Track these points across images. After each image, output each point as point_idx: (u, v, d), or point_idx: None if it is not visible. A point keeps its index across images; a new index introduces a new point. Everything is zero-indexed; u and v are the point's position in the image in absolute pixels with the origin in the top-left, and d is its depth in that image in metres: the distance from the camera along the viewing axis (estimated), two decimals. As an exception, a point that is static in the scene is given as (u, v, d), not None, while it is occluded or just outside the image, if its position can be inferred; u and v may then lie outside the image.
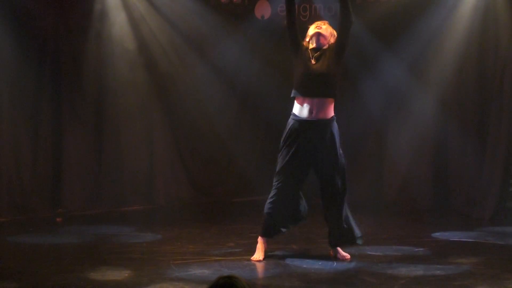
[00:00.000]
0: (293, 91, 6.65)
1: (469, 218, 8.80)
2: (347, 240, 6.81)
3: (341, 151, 6.68)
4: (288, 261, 6.74)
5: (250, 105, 10.26)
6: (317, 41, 6.65)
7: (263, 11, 9.84)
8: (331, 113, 6.60)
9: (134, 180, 9.58)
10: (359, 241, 6.81)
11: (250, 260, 6.71)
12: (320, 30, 6.69)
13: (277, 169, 6.71)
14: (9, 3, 8.72)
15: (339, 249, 6.82)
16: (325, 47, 6.66)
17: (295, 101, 6.66)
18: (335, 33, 6.72)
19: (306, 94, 6.57)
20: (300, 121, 6.59)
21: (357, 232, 6.79)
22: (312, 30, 6.75)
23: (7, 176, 8.78)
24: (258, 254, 6.76)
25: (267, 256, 6.79)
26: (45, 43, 9.01)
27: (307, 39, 6.76)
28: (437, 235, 7.89)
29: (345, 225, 6.73)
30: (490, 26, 8.84)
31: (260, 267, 6.53)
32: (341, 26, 6.58)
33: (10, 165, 8.81)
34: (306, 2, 9.79)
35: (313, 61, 6.59)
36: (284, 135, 6.69)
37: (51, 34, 9.02)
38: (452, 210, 9.18)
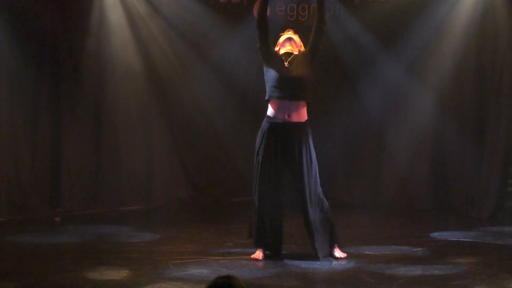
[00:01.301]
0: (267, 94, 6.70)
1: (468, 218, 8.80)
2: (328, 246, 6.77)
3: (314, 155, 6.69)
4: (287, 261, 6.75)
5: (249, 105, 10.25)
6: (290, 45, 6.75)
7: (262, 11, 9.83)
8: (305, 116, 6.67)
9: (132, 180, 9.57)
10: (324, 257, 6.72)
11: (249, 259, 6.71)
12: (291, 35, 6.82)
13: (256, 175, 6.70)
14: (8, 3, 8.72)
15: (335, 247, 6.81)
16: (296, 53, 6.76)
17: (269, 104, 6.71)
18: (303, 47, 6.83)
19: (280, 97, 6.62)
20: (274, 123, 6.64)
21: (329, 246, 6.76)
22: (283, 37, 6.86)
23: (5, 176, 8.79)
24: (258, 254, 6.77)
25: (266, 256, 6.79)
26: (44, 43, 9.01)
27: (277, 47, 6.86)
28: (436, 235, 7.89)
29: (326, 231, 6.73)
30: (488, 26, 8.85)
31: (258, 267, 6.53)
32: (315, 33, 6.70)
33: (9, 165, 8.81)
34: (305, 2, 9.79)
35: (286, 64, 6.66)
36: (258, 138, 6.74)
37: (49, 35, 9.02)
38: (451, 210, 9.18)
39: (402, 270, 6.35)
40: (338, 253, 6.79)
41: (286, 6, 9.75)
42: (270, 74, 6.70)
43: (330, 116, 9.80)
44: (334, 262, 6.65)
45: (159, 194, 9.74)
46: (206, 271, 6.32)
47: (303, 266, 6.58)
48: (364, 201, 9.62)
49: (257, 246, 6.81)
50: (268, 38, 6.76)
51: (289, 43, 6.78)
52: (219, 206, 9.84)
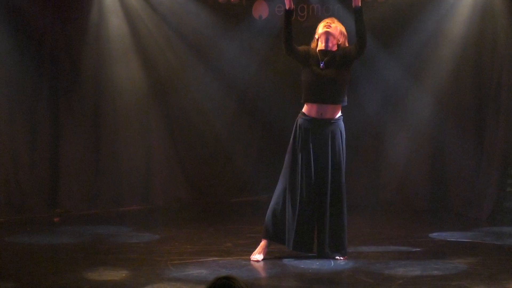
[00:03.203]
0: (303, 97, 6.70)
1: (467, 218, 8.80)
2: (341, 249, 6.74)
3: (344, 154, 6.73)
4: (286, 261, 6.74)
5: (248, 105, 10.26)
6: (326, 42, 6.66)
7: (261, 11, 9.84)
8: (338, 112, 6.73)
9: (131, 180, 9.57)
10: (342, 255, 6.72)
11: (248, 259, 6.71)
12: (329, 29, 6.68)
13: (287, 170, 6.68)
14: (7, 3, 8.72)
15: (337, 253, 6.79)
16: (334, 49, 6.68)
17: (305, 104, 6.71)
18: (344, 31, 6.75)
19: (315, 100, 6.64)
20: (308, 120, 6.64)
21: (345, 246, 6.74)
22: (321, 28, 6.74)
23: (4, 176, 8.78)
24: (259, 255, 6.74)
25: (265, 256, 6.80)
26: (43, 43, 9.00)
27: (316, 36, 6.75)
28: (435, 235, 7.89)
29: (342, 232, 6.71)
30: (487, 27, 8.85)
31: (258, 267, 6.53)
32: (355, 52, 6.63)
33: (7, 165, 8.81)
34: (304, 2, 9.78)
35: (322, 66, 6.62)
36: (293, 134, 6.70)
37: (48, 35, 9.01)
38: (450, 210, 9.18)
39: (401, 271, 6.35)
40: (338, 256, 6.76)
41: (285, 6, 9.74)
42: (305, 76, 6.69)
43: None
44: (333, 263, 6.65)
45: (158, 194, 9.73)
46: (205, 271, 6.32)
47: (302, 266, 6.57)
48: (363, 201, 9.61)
49: (264, 237, 6.76)
50: (300, 52, 6.66)
51: (325, 38, 6.66)
52: (218, 206, 9.84)
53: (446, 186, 9.32)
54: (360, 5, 6.53)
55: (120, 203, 9.43)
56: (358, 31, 6.58)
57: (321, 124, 6.64)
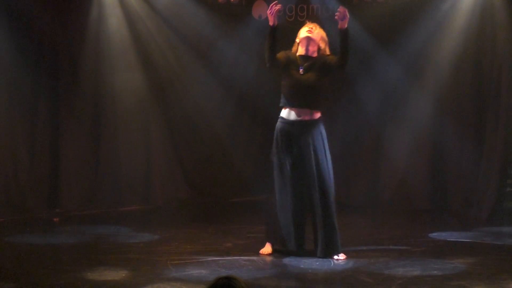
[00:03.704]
0: (281, 101, 6.76)
1: (466, 218, 8.80)
2: (334, 249, 6.77)
3: (329, 155, 6.75)
4: (286, 261, 6.75)
5: (247, 105, 10.26)
6: (307, 47, 6.72)
7: (261, 11, 9.85)
8: (318, 114, 6.77)
9: (131, 180, 9.57)
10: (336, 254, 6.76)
11: (247, 259, 6.72)
12: (311, 35, 6.73)
13: (272, 174, 6.80)
14: (6, 3, 8.71)
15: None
16: (314, 55, 6.73)
17: (283, 108, 6.79)
18: (325, 37, 6.80)
19: (294, 105, 6.70)
20: (288, 122, 6.71)
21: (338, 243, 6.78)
22: (303, 33, 6.78)
23: (4, 176, 8.78)
24: (267, 248, 6.89)
25: (265, 256, 6.80)
26: (42, 43, 9.00)
27: (297, 40, 6.81)
28: (434, 235, 7.90)
29: (333, 232, 6.74)
30: (487, 27, 8.85)
31: (257, 268, 6.53)
32: (335, 66, 6.67)
33: (7, 165, 8.80)
34: (303, 2, 9.79)
35: (301, 71, 6.67)
36: (275, 140, 6.79)
37: (48, 35, 9.01)
38: (449, 210, 9.18)
39: (401, 271, 6.36)
40: (336, 256, 6.78)
41: (284, 6, 9.74)
42: (285, 80, 6.74)
43: (329, 117, 9.76)
44: (333, 263, 6.65)
45: (157, 194, 9.73)
46: (205, 271, 6.32)
47: (302, 266, 6.58)
48: (363, 201, 9.62)
49: (267, 240, 6.92)
50: (282, 62, 6.71)
51: (306, 44, 6.71)
52: (218, 206, 9.84)
53: (446, 186, 9.33)
54: (346, 27, 6.53)
55: (120, 203, 9.43)
56: (343, 50, 6.60)
57: (301, 126, 6.69)
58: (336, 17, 6.51)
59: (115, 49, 9.39)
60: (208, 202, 9.95)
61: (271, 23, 6.60)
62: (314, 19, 9.41)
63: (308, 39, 6.70)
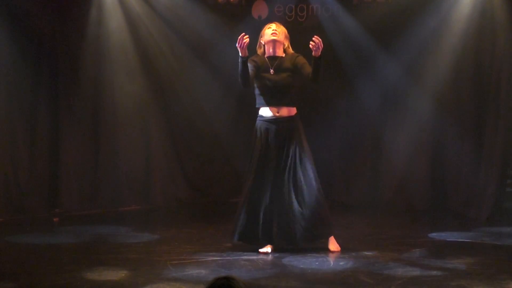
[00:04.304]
0: (257, 102, 7.09)
1: (466, 218, 8.80)
2: (324, 233, 7.05)
3: (307, 148, 7.02)
4: (285, 261, 6.75)
5: (246, 105, 10.23)
6: (274, 49, 7.06)
7: (260, 11, 9.85)
8: (294, 111, 7.04)
9: (131, 180, 9.57)
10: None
11: (247, 260, 6.72)
12: (276, 38, 7.04)
13: (249, 171, 7.04)
14: (6, 3, 8.72)
15: (331, 239, 7.06)
16: (281, 55, 7.07)
17: (260, 108, 7.09)
18: (287, 33, 7.13)
19: (269, 104, 7.03)
20: (267, 120, 7.02)
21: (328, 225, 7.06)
22: (268, 35, 7.08)
23: (4, 176, 8.78)
24: (268, 248, 6.97)
25: (264, 256, 6.80)
26: (42, 43, 9.00)
27: (262, 42, 7.12)
28: (434, 235, 7.90)
29: (321, 217, 6.99)
30: (487, 27, 8.85)
31: (257, 268, 6.53)
32: (306, 78, 6.93)
33: (7, 165, 8.81)
34: (303, 2, 9.79)
35: (272, 71, 6.99)
36: (254, 137, 7.07)
37: (48, 34, 9.02)
38: (449, 210, 9.18)
39: (400, 271, 6.36)
40: (332, 246, 7.03)
41: (284, 6, 9.75)
42: (257, 83, 7.04)
43: (329, 117, 9.80)
44: (333, 262, 6.66)
45: (157, 194, 9.74)
46: (204, 271, 6.32)
47: (302, 266, 6.58)
48: (363, 201, 9.61)
49: (233, 239, 7.10)
50: (251, 82, 7.02)
51: (273, 46, 7.04)
52: (217, 206, 9.84)
53: (446, 186, 9.33)
54: (320, 55, 6.73)
55: (119, 203, 9.44)
56: (315, 75, 6.84)
57: (279, 122, 6.98)
58: (310, 46, 6.72)
59: (115, 50, 9.39)
60: (207, 202, 9.95)
61: (241, 54, 6.82)
62: (310, 22, 9.46)
63: (274, 41, 7.05)
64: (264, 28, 7.16)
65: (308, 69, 6.90)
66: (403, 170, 9.53)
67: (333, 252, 6.99)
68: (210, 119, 10.07)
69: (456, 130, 9.13)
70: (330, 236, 7.09)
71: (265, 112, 7.04)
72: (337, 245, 7.07)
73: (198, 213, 9.49)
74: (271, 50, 7.05)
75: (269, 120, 7.00)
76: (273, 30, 7.05)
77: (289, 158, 6.94)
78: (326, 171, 9.42)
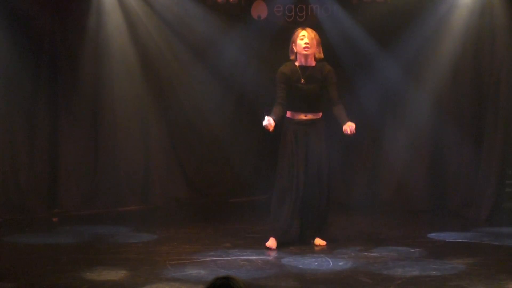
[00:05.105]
0: (287, 107, 7.25)
1: (465, 218, 8.79)
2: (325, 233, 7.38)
3: (327, 150, 7.36)
4: (284, 261, 6.76)
5: (246, 106, 10.25)
6: (306, 60, 7.26)
7: (260, 11, 9.84)
8: (320, 115, 7.39)
9: (130, 180, 9.56)
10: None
11: (246, 260, 6.73)
12: (308, 52, 7.20)
13: (279, 168, 7.28)
14: (6, 4, 8.71)
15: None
16: (313, 64, 7.28)
17: (288, 112, 7.32)
18: (318, 38, 7.29)
19: (298, 110, 7.29)
20: (295, 122, 7.28)
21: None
22: (300, 47, 7.21)
23: (3, 176, 8.77)
24: (272, 242, 7.17)
25: (264, 256, 6.80)
26: (42, 43, 8.99)
27: (294, 49, 7.25)
28: (433, 235, 7.90)
29: (325, 218, 7.34)
30: (486, 28, 8.85)
31: (256, 268, 6.54)
32: (326, 99, 7.34)
33: (6, 165, 8.80)
34: (303, 3, 9.78)
35: (302, 81, 7.21)
36: (283, 138, 7.30)
37: (47, 34, 9.01)
38: (448, 210, 9.17)
39: (399, 271, 6.36)
40: (317, 240, 7.29)
41: (284, 6, 9.75)
42: (289, 91, 7.23)
43: (328, 117, 9.78)
44: (332, 263, 6.66)
45: (156, 194, 9.73)
46: (203, 271, 6.33)
47: (301, 266, 6.58)
48: (362, 202, 9.60)
49: (271, 235, 7.22)
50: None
51: (304, 58, 7.22)
52: (217, 206, 9.83)
53: (445, 186, 9.32)
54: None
55: (118, 203, 9.43)
56: (337, 113, 7.34)
57: (307, 124, 7.27)
58: (344, 132, 7.13)
59: (114, 50, 9.38)
60: (207, 202, 9.94)
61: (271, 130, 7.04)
62: (309, 22, 9.45)
63: (306, 55, 7.22)
64: (297, 34, 7.24)
65: (333, 92, 7.27)
66: (403, 170, 9.53)
67: (317, 246, 7.25)
68: (209, 119, 10.06)
69: (455, 131, 9.13)
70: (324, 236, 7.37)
71: (293, 115, 7.28)
72: (323, 240, 7.32)
73: (198, 213, 9.48)
74: (302, 60, 7.25)
75: (296, 122, 7.26)
76: (305, 43, 7.18)
77: (314, 156, 7.23)
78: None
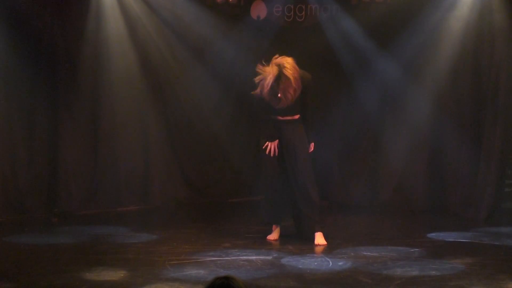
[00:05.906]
0: (264, 116, 7.53)
1: (465, 218, 8.79)
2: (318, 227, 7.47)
3: (306, 148, 7.51)
4: (284, 261, 6.76)
5: (245, 106, 10.25)
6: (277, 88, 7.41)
7: (259, 11, 9.84)
8: (297, 116, 7.52)
9: (130, 180, 9.56)
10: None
11: (246, 260, 6.73)
12: (281, 70, 7.35)
13: (262, 165, 7.59)
14: (6, 4, 8.71)
15: (317, 235, 7.35)
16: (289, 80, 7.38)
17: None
18: (295, 75, 7.31)
19: (275, 114, 7.48)
20: (274, 121, 7.47)
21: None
22: (273, 99, 7.39)
23: (3, 176, 8.77)
24: (274, 235, 7.51)
25: (263, 256, 6.81)
26: (41, 44, 8.99)
27: (266, 89, 7.47)
28: (433, 235, 7.90)
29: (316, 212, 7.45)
30: (485, 28, 8.85)
31: (256, 268, 6.54)
32: (300, 99, 7.42)
33: (6, 165, 8.79)
34: (302, 3, 9.78)
35: (279, 95, 7.31)
36: (261, 140, 7.54)
37: (47, 34, 9.00)
38: (448, 210, 9.17)
39: (399, 271, 6.36)
40: (318, 239, 7.35)
41: (283, 6, 9.75)
42: (267, 104, 7.47)
43: (327, 117, 9.80)
44: (332, 262, 6.66)
45: (156, 194, 9.72)
46: (203, 271, 6.33)
47: (300, 266, 6.59)
48: (361, 201, 9.61)
49: (271, 222, 7.58)
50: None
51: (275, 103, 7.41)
52: (216, 206, 9.83)
53: (444, 186, 9.32)
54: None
55: (118, 203, 9.43)
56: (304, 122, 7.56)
57: (285, 123, 7.46)
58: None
59: (114, 50, 9.37)
60: (206, 202, 9.94)
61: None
62: (313, 20, 9.46)
63: (278, 78, 7.37)
64: (268, 81, 7.44)
65: (307, 103, 7.46)
66: (402, 170, 9.53)
67: (317, 245, 7.29)
68: (209, 119, 10.06)
69: (454, 130, 9.13)
70: (318, 232, 7.40)
71: (272, 117, 7.49)
72: (323, 240, 7.36)
73: (197, 214, 9.48)
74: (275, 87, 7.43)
75: (274, 121, 7.48)
76: (279, 95, 7.33)
77: (291, 153, 7.43)
78: (325, 171, 9.43)
